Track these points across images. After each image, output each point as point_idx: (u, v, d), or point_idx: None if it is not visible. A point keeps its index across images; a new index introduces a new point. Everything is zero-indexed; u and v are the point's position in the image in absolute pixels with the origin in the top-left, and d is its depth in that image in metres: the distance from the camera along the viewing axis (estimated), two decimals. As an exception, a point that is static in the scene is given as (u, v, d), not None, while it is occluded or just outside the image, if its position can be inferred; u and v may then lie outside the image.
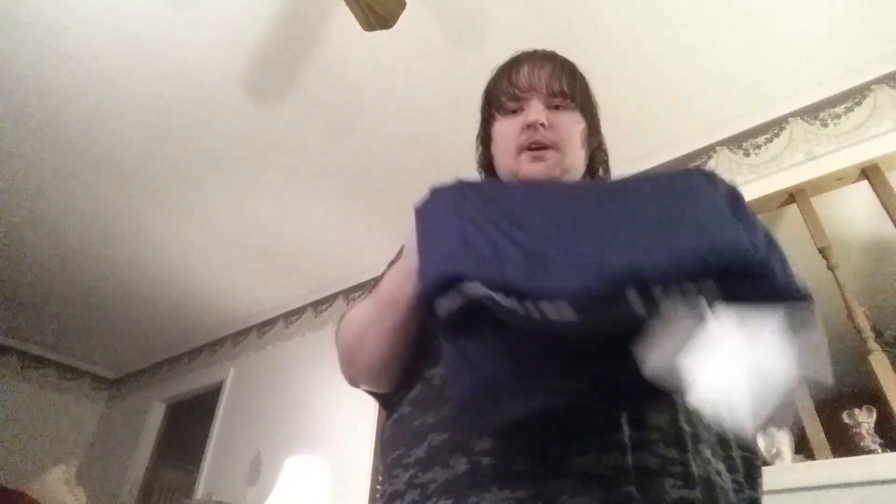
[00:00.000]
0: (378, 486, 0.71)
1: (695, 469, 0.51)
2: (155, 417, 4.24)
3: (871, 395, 1.68)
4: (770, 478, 1.62)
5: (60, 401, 4.52)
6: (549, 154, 0.76)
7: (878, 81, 2.08)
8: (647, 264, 0.43)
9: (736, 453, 0.57)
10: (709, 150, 2.38)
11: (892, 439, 1.68)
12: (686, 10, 1.91)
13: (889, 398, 1.54)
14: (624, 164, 2.78)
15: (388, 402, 0.71)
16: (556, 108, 0.79)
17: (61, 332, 4.26)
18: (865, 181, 1.99)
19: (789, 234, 2.56)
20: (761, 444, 1.73)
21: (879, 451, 1.59)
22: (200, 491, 3.38)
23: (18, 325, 4.18)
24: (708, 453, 0.53)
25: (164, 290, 3.66)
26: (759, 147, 2.26)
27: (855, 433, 1.65)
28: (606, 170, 0.90)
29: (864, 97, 2.09)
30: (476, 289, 0.44)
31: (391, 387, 0.67)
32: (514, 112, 0.80)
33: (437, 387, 0.59)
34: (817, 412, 1.64)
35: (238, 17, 2.01)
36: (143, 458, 4.07)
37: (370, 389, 0.71)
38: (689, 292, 0.42)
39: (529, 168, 0.76)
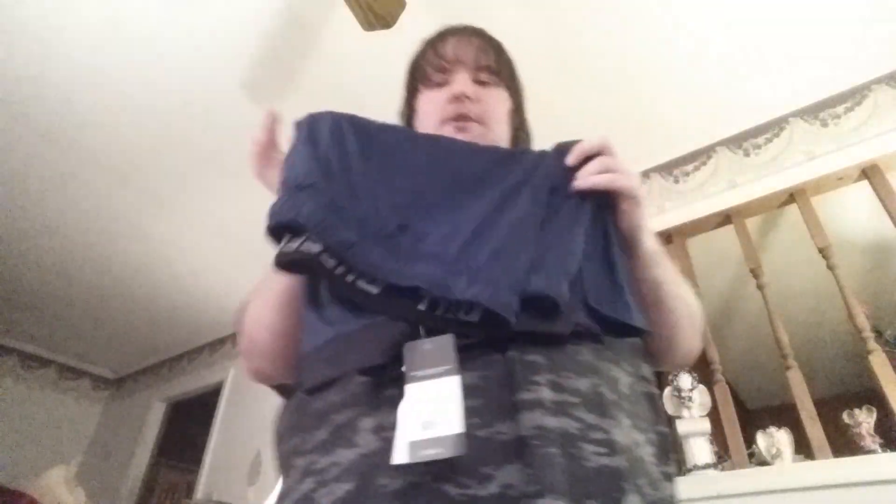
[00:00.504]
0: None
1: (618, 437, 0.49)
2: (155, 417, 4.24)
3: (871, 395, 1.68)
4: (770, 478, 1.63)
5: (60, 401, 4.52)
6: (474, 126, 0.74)
7: (878, 81, 2.08)
8: (455, 282, 0.48)
9: (653, 427, 0.55)
10: (709, 150, 2.38)
11: (892, 439, 1.68)
12: (686, 10, 1.91)
13: (889, 398, 1.54)
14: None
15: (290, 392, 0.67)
16: (483, 83, 0.78)
17: (61, 332, 4.26)
18: (865, 181, 1.99)
19: (789, 234, 2.57)
20: (761, 443, 1.73)
21: (879, 451, 1.59)
22: (200, 491, 3.38)
23: (18, 325, 4.18)
24: (629, 423, 0.51)
25: (164, 290, 3.66)
26: (759, 147, 2.26)
27: (855, 433, 1.65)
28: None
29: (864, 97, 2.09)
30: (310, 247, 0.48)
31: (293, 371, 0.60)
32: (440, 85, 0.78)
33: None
34: (817, 412, 1.64)
35: (238, 17, 2.00)
36: (143, 458, 4.07)
37: (277, 381, 0.65)
38: (457, 320, 0.48)
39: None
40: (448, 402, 0.44)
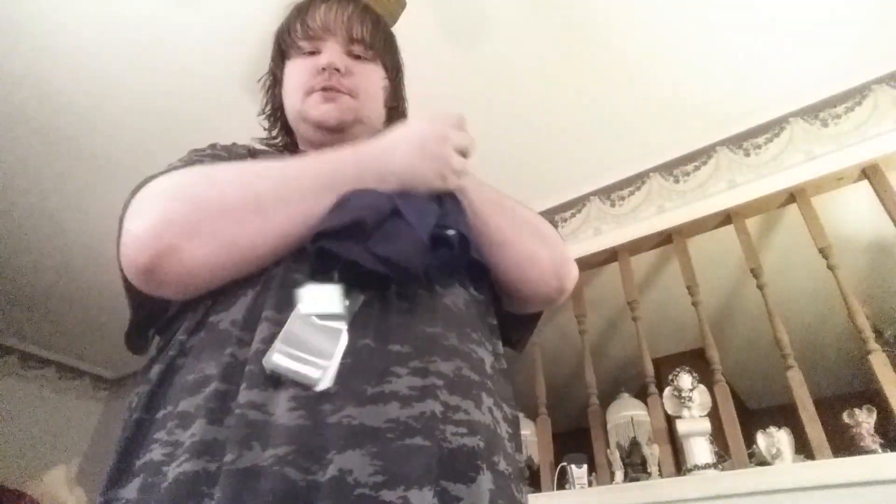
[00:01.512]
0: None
1: (478, 416, 0.49)
2: (155, 417, 4.23)
3: (871, 395, 1.68)
4: (770, 478, 1.63)
5: (60, 401, 4.52)
6: (345, 99, 0.70)
7: (878, 81, 2.08)
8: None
9: (505, 408, 0.56)
10: (709, 150, 2.38)
11: (892, 439, 1.68)
12: (687, 10, 1.91)
13: (889, 398, 1.54)
14: (624, 163, 2.80)
15: (141, 334, 0.61)
16: (356, 57, 0.74)
17: (61, 332, 4.26)
18: (865, 181, 1.99)
19: (789, 234, 2.57)
20: (761, 443, 1.73)
21: (879, 451, 1.59)
22: (200, 491, 3.37)
23: (18, 325, 4.18)
24: (490, 402, 0.52)
25: (164, 290, 3.66)
26: (759, 147, 2.26)
27: (855, 433, 1.65)
28: None
29: (864, 97, 2.09)
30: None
31: (198, 295, 0.54)
32: (310, 54, 0.73)
33: (225, 332, 0.50)
34: (817, 412, 1.64)
35: (238, 17, 2.00)
36: (143, 458, 4.07)
37: (163, 294, 0.54)
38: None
39: (318, 108, 0.70)
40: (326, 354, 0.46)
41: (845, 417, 1.70)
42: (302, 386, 0.45)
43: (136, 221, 0.53)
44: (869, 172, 1.97)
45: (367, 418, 0.44)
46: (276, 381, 0.46)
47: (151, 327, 0.61)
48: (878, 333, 2.08)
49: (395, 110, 0.82)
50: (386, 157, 0.58)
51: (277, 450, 0.42)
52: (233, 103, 2.31)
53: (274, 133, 0.82)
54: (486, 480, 0.46)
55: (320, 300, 0.49)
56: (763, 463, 1.69)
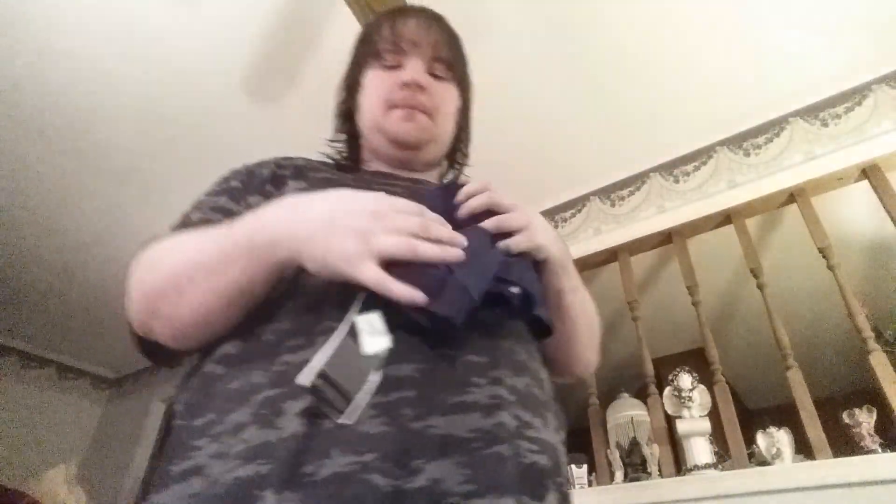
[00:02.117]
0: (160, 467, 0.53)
1: (546, 435, 0.51)
2: (155, 417, 4.23)
3: (871, 395, 1.68)
4: (770, 478, 1.63)
5: (60, 401, 4.51)
6: (422, 118, 0.72)
7: (878, 81, 2.08)
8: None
9: (562, 432, 0.58)
10: (709, 150, 2.38)
11: (892, 439, 1.68)
12: (687, 11, 1.91)
13: (889, 398, 1.54)
14: (624, 163, 2.80)
15: (168, 355, 0.61)
16: (437, 76, 0.74)
17: (61, 332, 4.26)
18: (865, 181, 1.99)
19: (789, 234, 2.57)
20: (761, 443, 1.73)
21: (879, 451, 1.59)
22: (200, 491, 3.37)
23: (18, 325, 4.18)
24: (555, 423, 0.54)
25: (164, 290, 3.66)
26: (759, 147, 2.26)
27: (855, 433, 1.65)
28: (465, 154, 0.86)
29: (864, 97, 2.09)
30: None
31: (194, 348, 0.56)
32: (392, 67, 0.74)
33: (270, 342, 0.50)
34: (817, 412, 1.64)
35: (238, 17, 2.00)
36: (143, 458, 4.07)
37: (168, 345, 0.57)
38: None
39: (400, 126, 0.71)
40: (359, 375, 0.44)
41: (845, 417, 1.69)
42: (381, 391, 0.45)
43: (126, 298, 0.58)
44: (869, 172, 1.97)
45: (453, 427, 0.44)
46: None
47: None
48: (878, 333, 2.08)
49: (463, 131, 0.83)
50: (291, 218, 0.51)
51: (362, 457, 0.42)
52: (232, 103, 2.31)
53: (340, 136, 0.83)
54: (552, 500, 0.47)
55: (370, 332, 0.46)
56: (763, 463, 1.69)
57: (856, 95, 2.11)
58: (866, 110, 2.07)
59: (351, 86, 0.80)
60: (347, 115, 0.81)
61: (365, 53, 0.78)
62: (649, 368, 2.08)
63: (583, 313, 0.68)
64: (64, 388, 4.57)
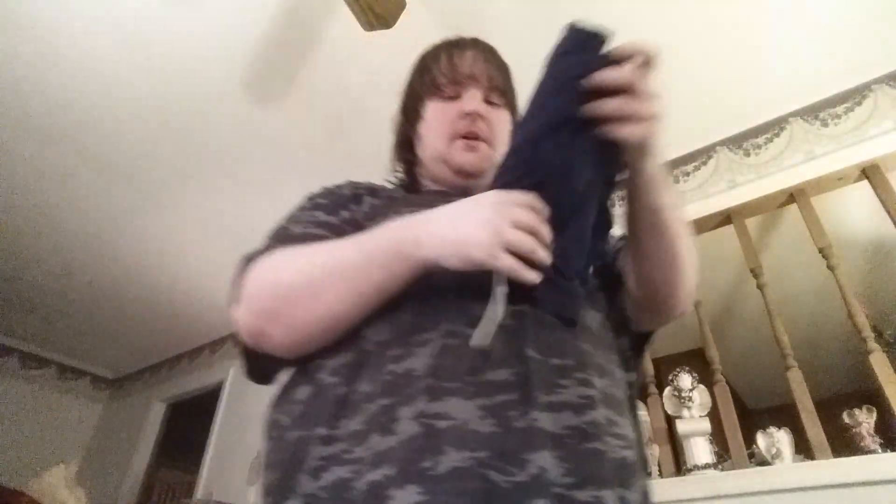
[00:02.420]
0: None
1: (628, 432, 0.55)
2: (155, 417, 4.24)
3: (871, 395, 1.68)
4: (770, 478, 1.63)
5: (60, 401, 4.52)
6: (483, 147, 0.76)
7: (878, 81, 2.08)
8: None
9: (637, 429, 0.61)
10: (709, 150, 2.38)
11: (892, 439, 1.68)
12: (686, 11, 1.91)
13: (889, 398, 1.54)
14: (624, 164, 2.76)
15: (269, 369, 0.64)
16: (492, 104, 0.78)
17: (61, 332, 4.26)
18: (865, 181, 1.99)
19: (789, 234, 2.57)
20: (761, 443, 1.73)
21: (879, 451, 1.59)
22: (200, 491, 3.38)
23: (18, 325, 4.18)
24: (631, 420, 0.58)
25: (164, 290, 3.66)
26: (759, 147, 2.26)
27: (855, 433, 1.65)
28: None
29: (864, 97, 2.09)
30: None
31: (306, 354, 0.59)
32: (451, 98, 0.78)
33: (374, 353, 0.54)
34: (817, 412, 1.64)
35: (238, 17, 2.01)
36: (143, 458, 4.07)
37: (274, 353, 0.60)
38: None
39: (463, 156, 0.75)
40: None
41: (845, 417, 1.70)
42: (485, 395, 0.49)
43: (237, 309, 0.61)
44: (869, 172, 1.97)
45: (548, 424, 0.48)
46: (456, 390, 0.49)
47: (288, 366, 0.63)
48: (878, 333, 2.08)
49: None
50: (429, 222, 0.56)
51: (476, 453, 0.46)
52: (233, 103, 2.31)
53: (398, 164, 0.88)
54: (637, 494, 0.52)
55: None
56: (763, 463, 1.69)
57: (856, 95, 2.11)
58: (866, 110, 2.07)
59: (410, 116, 0.83)
60: (407, 144, 0.85)
61: (424, 84, 0.81)
62: (649, 368, 2.08)
63: (684, 234, 0.65)
64: (64, 388, 4.57)
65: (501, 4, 1.91)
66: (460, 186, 0.76)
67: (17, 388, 4.32)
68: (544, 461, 0.46)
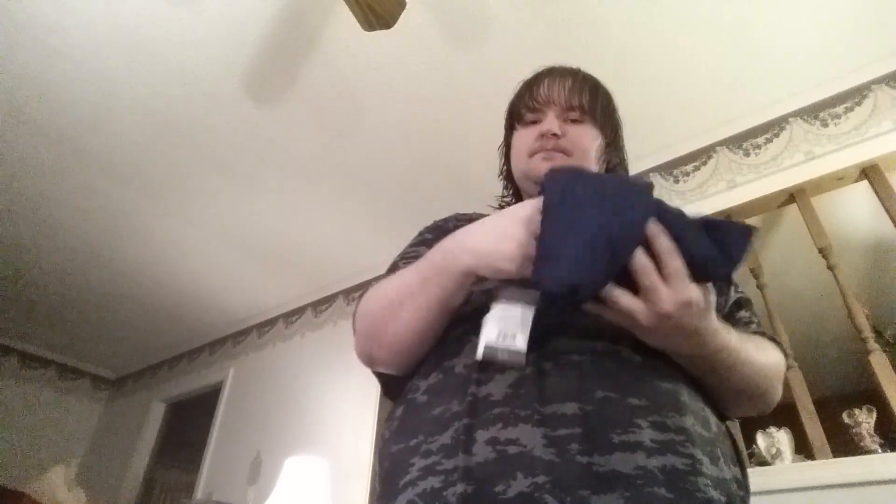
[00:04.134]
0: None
1: (716, 472, 0.53)
2: (155, 417, 4.24)
3: (871, 395, 1.68)
4: (770, 478, 1.63)
5: (60, 401, 4.52)
6: (560, 157, 0.79)
7: (878, 81, 2.08)
8: None
9: (734, 468, 0.59)
10: (709, 150, 2.38)
11: (892, 439, 1.68)
12: (686, 11, 1.91)
13: (889, 398, 1.54)
14: (624, 164, 2.74)
15: (394, 388, 0.71)
16: (573, 121, 0.82)
17: (61, 332, 4.26)
18: (865, 181, 1.99)
19: (789, 234, 2.57)
20: (761, 443, 1.73)
21: (879, 451, 1.59)
22: (200, 491, 3.38)
23: (18, 325, 4.18)
24: (723, 460, 0.56)
25: (164, 290, 3.66)
26: (759, 147, 2.26)
27: (855, 433, 1.65)
28: None
29: (864, 97, 2.09)
30: (584, 298, 0.54)
31: (409, 368, 0.67)
32: (532, 123, 0.84)
33: (462, 375, 0.59)
34: (817, 412, 1.64)
35: (238, 17, 2.00)
36: (143, 458, 4.07)
37: (385, 370, 0.70)
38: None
39: (541, 166, 0.78)
40: (522, 325, 0.56)
41: (845, 417, 1.70)
42: (549, 426, 0.51)
43: (355, 335, 0.73)
44: (869, 172, 1.97)
45: (618, 464, 0.49)
46: (526, 418, 0.52)
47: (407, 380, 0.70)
48: (878, 333, 2.08)
49: (619, 166, 0.91)
50: (464, 237, 0.63)
51: (536, 478, 0.48)
52: (232, 104, 2.31)
53: (505, 193, 0.96)
54: None
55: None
56: (763, 463, 1.69)
57: (856, 95, 2.11)
58: (866, 110, 2.07)
59: (505, 150, 0.93)
60: (508, 176, 0.93)
61: (511, 119, 0.90)
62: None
63: (750, 373, 0.64)
64: (64, 388, 4.57)
65: (501, 4, 1.91)
66: None
67: (18, 388, 4.32)
68: (603, 500, 0.47)
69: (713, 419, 0.60)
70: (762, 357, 0.66)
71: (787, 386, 1.73)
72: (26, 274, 3.54)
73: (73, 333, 4.27)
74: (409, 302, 0.64)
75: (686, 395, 0.57)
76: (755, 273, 1.99)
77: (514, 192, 0.94)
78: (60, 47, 2.12)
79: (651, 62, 2.08)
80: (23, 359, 4.42)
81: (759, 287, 1.96)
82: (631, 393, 0.54)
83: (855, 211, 2.47)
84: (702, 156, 2.39)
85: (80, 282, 3.60)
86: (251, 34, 2.06)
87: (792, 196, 2.10)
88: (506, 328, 0.56)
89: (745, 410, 0.70)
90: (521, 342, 0.55)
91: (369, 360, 0.71)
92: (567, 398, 0.53)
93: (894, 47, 2.00)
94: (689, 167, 2.40)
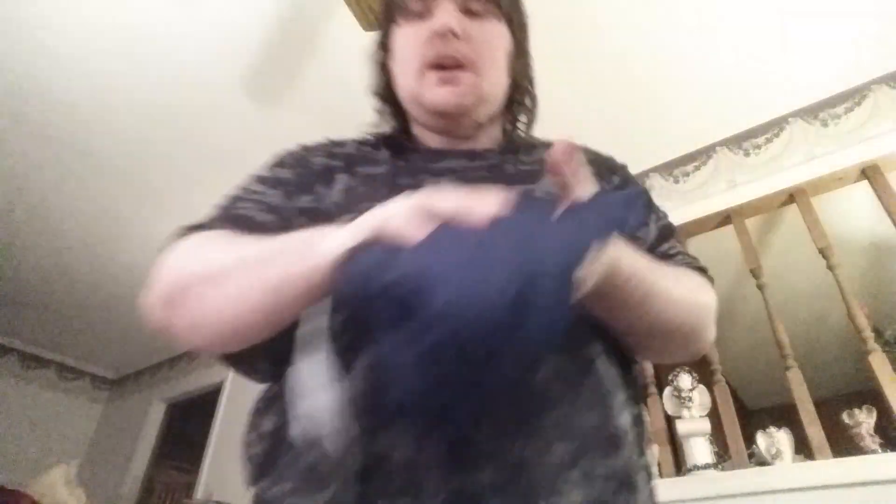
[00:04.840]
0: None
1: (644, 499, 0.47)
2: (155, 417, 4.24)
3: (871, 395, 1.68)
4: (770, 478, 1.63)
5: (60, 401, 4.52)
6: (464, 76, 0.58)
7: (878, 81, 2.08)
8: None
9: (647, 468, 0.53)
10: (709, 150, 2.38)
11: (892, 439, 1.68)
12: (686, 12, 1.91)
13: (889, 398, 1.54)
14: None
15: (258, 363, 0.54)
16: (474, 14, 0.61)
17: (61, 332, 4.26)
18: (865, 181, 1.99)
19: (789, 234, 2.57)
20: (761, 443, 1.73)
21: (879, 451, 1.59)
22: (200, 491, 3.38)
23: (18, 325, 4.18)
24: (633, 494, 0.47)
25: (164, 290, 3.66)
26: (759, 147, 2.26)
27: (855, 433, 1.65)
28: (532, 106, 0.70)
29: (864, 97, 2.09)
30: None
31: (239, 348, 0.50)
32: (420, 16, 0.61)
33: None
34: (817, 412, 1.64)
35: (238, 17, 2.00)
36: (143, 458, 4.07)
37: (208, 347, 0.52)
38: None
39: (436, 93, 0.59)
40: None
41: (845, 417, 1.70)
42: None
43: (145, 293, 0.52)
44: (869, 172, 1.97)
45: None
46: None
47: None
48: (878, 333, 2.08)
49: (524, 79, 0.68)
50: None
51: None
52: (232, 104, 2.31)
53: (385, 116, 0.70)
54: None
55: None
56: (763, 463, 1.69)
57: (856, 95, 2.11)
58: (866, 110, 2.07)
59: (382, 55, 0.68)
60: (385, 88, 0.68)
61: (390, 10, 0.65)
62: (649, 368, 2.08)
63: (673, 308, 0.52)
64: (64, 388, 4.57)
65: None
66: (446, 129, 0.61)
67: (17, 388, 4.32)
68: None
69: (637, 438, 0.49)
70: (682, 287, 0.52)
71: (786, 386, 1.73)
72: (26, 274, 3.54)
73: (73, 333, 4.27)
74: (247, 275, 0.46)
75: (603, 410, 0.46)
76: (755, 273, 1.99)
77: (398, 116, 0.68)
78: (60, 48, 2.12)
79: (651, 62, 2.08)
80: (23, 359, 4.42)
81: (759, 287, 1.96)
82: (552, 442, 0.42)
83: (855, 211, 2.47)
84: (702, 156, 2.39)
85: (80, 282, 3.60)
86: (251, 34, 2.06)
87: (792, 196, 2.10)
88: None
89: (670, 355, 0.56)
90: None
91: (168, 332, 0.53)
92: (475, 466, 0.41)
93: (894, 47, 2.00)
94: (689, 167, 2.40)
